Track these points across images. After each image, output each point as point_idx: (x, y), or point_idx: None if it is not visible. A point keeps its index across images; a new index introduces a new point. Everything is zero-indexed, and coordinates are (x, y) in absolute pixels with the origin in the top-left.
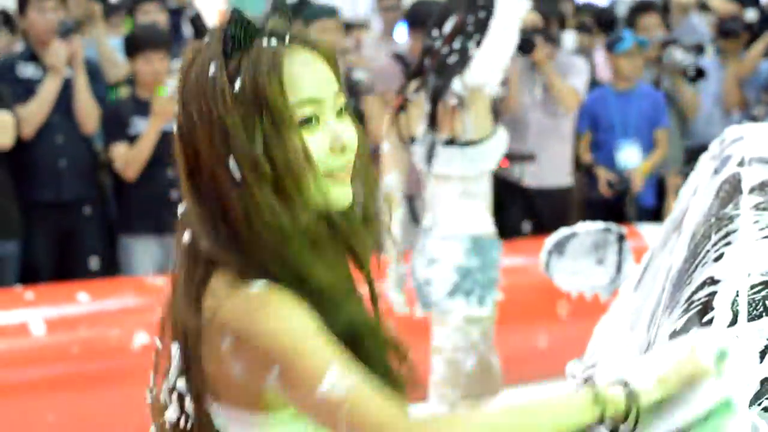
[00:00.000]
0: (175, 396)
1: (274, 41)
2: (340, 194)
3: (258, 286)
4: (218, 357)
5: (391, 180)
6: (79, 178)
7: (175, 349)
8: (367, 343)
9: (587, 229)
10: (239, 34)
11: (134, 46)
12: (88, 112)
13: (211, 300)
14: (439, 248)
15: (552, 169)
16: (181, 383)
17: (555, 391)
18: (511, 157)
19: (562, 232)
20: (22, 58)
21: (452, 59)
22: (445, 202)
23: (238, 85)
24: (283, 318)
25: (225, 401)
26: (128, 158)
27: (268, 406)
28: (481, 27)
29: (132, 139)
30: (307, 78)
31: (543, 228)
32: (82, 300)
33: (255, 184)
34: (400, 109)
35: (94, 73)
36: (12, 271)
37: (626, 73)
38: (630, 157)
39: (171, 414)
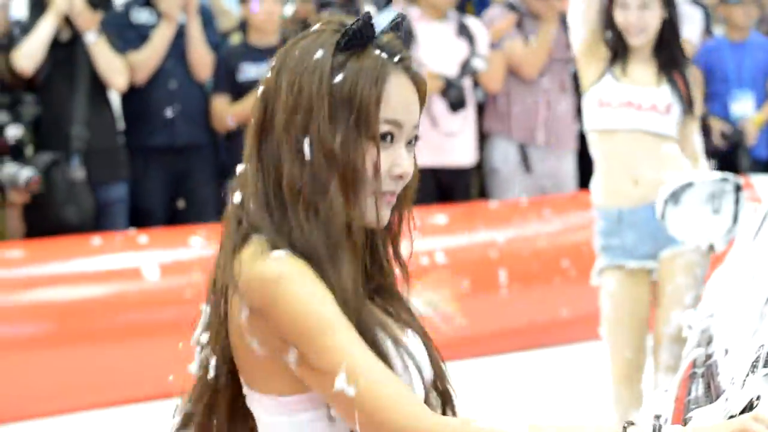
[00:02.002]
0: (198, 350)
1: (385, 55)
2: (385, 214)
3: (279, 254)
4: (238, 328)
5: None
6: (192, 123)
7: (204, 305)
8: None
9: (704, 178)
10: (359, 34)
11: None
12: (200, 59)
13: (238, 266)
14: None
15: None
16: (204, 339)
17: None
18: None
19: (678, 181)
20: (137, 4)
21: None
22: None
23: (338, 78)
24: (303, 298)
25: (254, 383)
26: (229, 111)
27: (295, 389)
28: None
29: (240, 86)
30: (401, 100)
31: None
32: (195, 244)
33: (323, 172)
34: None
35: (207, 20)
36: (122, 214)
37: (740, 23)
38: (744, 108)
39: (194, 368)
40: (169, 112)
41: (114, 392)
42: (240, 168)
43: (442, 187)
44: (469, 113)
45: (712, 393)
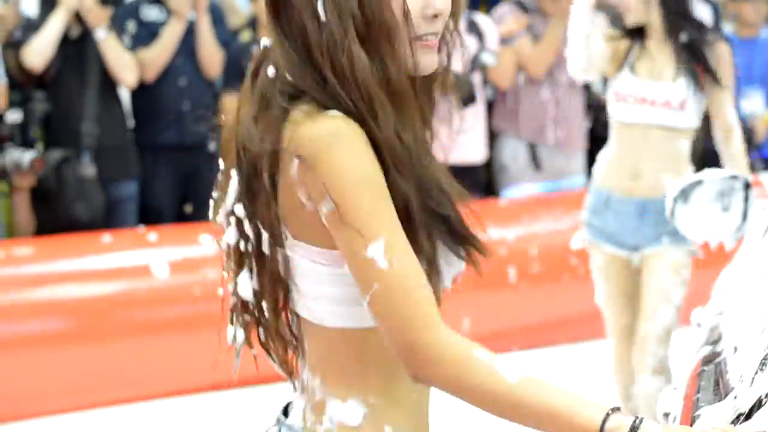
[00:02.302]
0: (233, 220)
1: None
2: (428, 60)
3: (335, 114)
4: (289, 183)
5: None
6: (202, 121)
7: (234, 174)
8: (431, 208)
9: (713, 176)
10: None
11: None
12: (210, 56)
13: (290, 128)
14: None
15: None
16: (239, 208)
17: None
18: None
19: (688, 179)
20: (146, 1)
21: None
22: None
23: None
24: (351, 159)
25: (301, 235)
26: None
27: (330, 240)
28: None
29: None
30: None
31: None
32: (204, 242)
33: (340, 32)
34: None
35: (217, 17)
36: (132, 211)
37: (750, 19)
38: (753, 105)
39: (229, 236)
40: (179, 110)
41: (124, 390)
42: (264, 43)
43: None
44: (479, 110)
45: (721, 391)
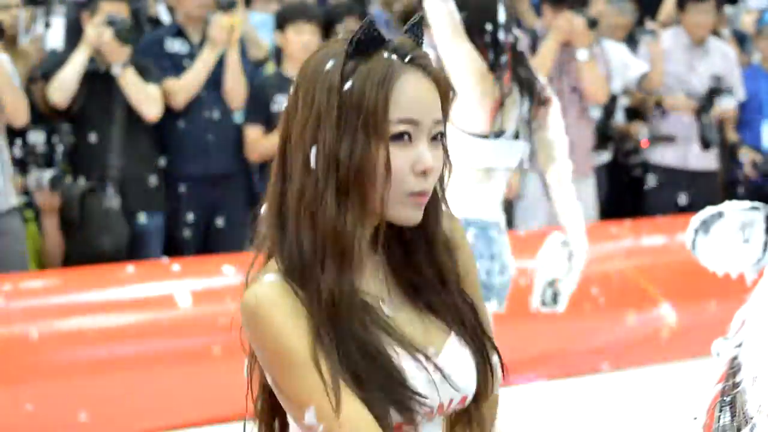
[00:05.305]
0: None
1: (395, 56)
2: (411, 215)
3: (268, 278)
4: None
5: None
6: (226, 152)
7: None
8: (366, 363)
9: (734, 208)
10: (366, 40)
11: (286, 17)
12: (236, 88)
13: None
14: None
15: (698, 152)
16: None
17: None
18: (653, 138)
19: (709, 210)
20: (170, 34)
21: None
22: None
23: (347, 85)
24: (270, 332)
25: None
26: (262, 142)
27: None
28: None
29: (274, 117)
30: (412, 98)
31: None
32: (228, 272)
33: (322, 178)
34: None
35: (242, 49)
36: (157, 243)
37: None
38: None
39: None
40: (203, 141)
41: (147, 419)
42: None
43: None
44: None
45: (740, 421)
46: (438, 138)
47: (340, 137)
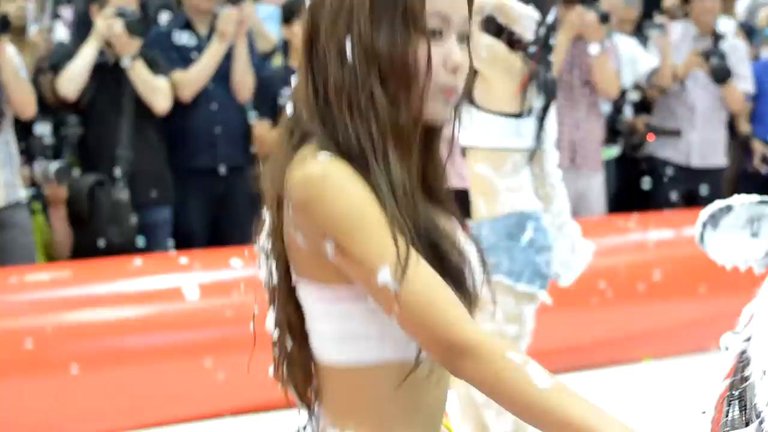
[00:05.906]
0: (263, 257)
1: None
2: (440, 111)
3: (324, 156)
4: (288, 224)
5: None
6: (233, 145)
7: (265, 214)
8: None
9: (742, 201)
10: None
11: (293, 10)
12: (244, 81)
13: (289, 172)
14: None
15: (710, 148)
16: (267, 244)
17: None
18: (656, 131)
19: (717, 204)
20: (177, 26)
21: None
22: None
23: None
24: (342, 197)
25: (301, 272)
26: (271, 135)
27: (334, 279)
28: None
29: (282, 110)
30: None
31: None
32: (235, 265)
33: (364, 70)
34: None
35: (249, 42)
36: (166, 236)
37: None
38: None
39: (262, 273)
40: (211, 134)
41: (155, 412)
42: (293, 81)
43: (468, 209)
44: None
45: (748, 415)
46: (464, 39)
47: (377, 28)
